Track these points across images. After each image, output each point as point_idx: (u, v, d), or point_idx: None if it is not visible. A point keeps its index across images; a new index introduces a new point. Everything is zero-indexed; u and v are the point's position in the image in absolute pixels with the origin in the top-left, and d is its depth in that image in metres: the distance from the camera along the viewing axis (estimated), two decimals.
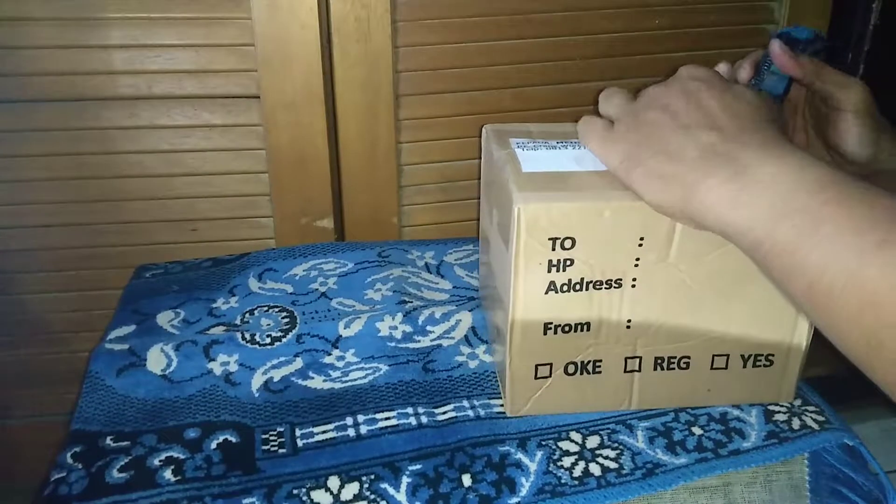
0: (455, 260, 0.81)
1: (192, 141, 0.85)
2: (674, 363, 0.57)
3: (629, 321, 0.55)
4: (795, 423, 0.57)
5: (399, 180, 0.91)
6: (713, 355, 0.57)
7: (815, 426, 0.57)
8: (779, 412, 0.58)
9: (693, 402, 0.59)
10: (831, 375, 1.13)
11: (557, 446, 0.55)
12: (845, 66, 1.00)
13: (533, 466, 0.53)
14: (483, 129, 0.65)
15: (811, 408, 0.59)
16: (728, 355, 0.57)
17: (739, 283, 0.54)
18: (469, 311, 0.71)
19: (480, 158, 0.67)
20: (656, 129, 0.49)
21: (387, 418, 0.58)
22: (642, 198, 0.49)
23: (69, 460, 0.54)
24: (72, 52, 0.80)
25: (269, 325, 0.69)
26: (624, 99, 0.54)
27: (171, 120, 0.84)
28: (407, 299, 0.72)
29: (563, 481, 0.52)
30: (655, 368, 0.57)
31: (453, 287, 0.76)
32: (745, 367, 0.57)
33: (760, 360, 0.57)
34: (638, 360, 0.56)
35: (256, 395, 0.61)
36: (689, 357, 0.56)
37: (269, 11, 0.80)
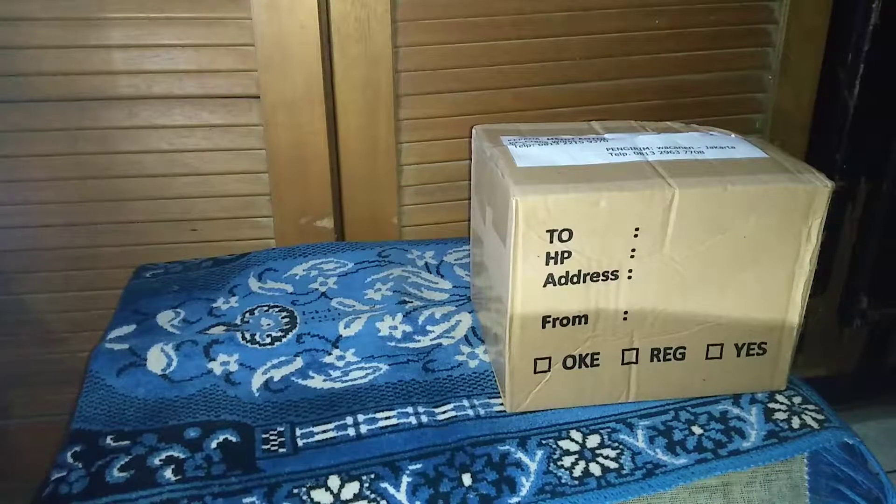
0: (455, 260, 0.81)
1: (192, 141, 0.85)
2: (670, 354, 0.57)
3: (626, 313, 0.55)
4: (795, 422, 0.57)
5: (399, 180, 0.91)
6: (708, 345, 0.57)
7: (815, 425, 0.57)
8: (779, 410, 0.58)
9: (689, 392, 0.59)
10: (831, 375, 1.14)
11: (558, 445, 0.55)
12: (845, 66, 1.00)
13: (533, 466, 0.53)
14: (472, 130, 0.66)
15: (811, 407, 0.59)
16: (722, 344, 0.57)
17: (732, 271, 0.54)
18: (469, 311, 0.71)
19: (471, 159, 0.67)
20: None
21: (387, 418, 0.58)
22: None
23: (69, 460, 0.54)
24: (72, 52, 0.80)
25: (269, 324, 0.69)
26: None
27: (170, 120, 0.84)
28: (407, 299, 0.72)
29: (563, 481, 0.52)
30: (652, 360, 0.57)
31: (453, 287, 0.76)
32: (738, 355, 0.58)
33: (753, 349, 0.58)
34: (635, 352, 0.57)
35: (256, 394, 0.61)
36: (684, 347, 0.57)
37: (269, 11, 0.80)
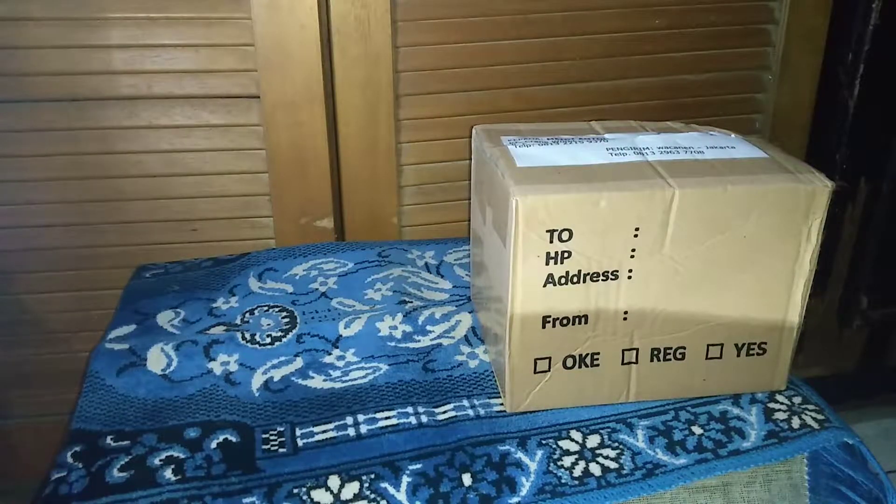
0: (455, 260, 0.81)
1: (192, 141, 0.85)
2: (670, 354, 0.57)
3: (626, 312, 0.55)
4: (795, 422, 0.57)
5: (399, 180, 0.91)
6: (708, 345, 0.57)
7: (815, 425, 0.57)
8: (779, 410, 0.58)
9: (689, 392, 0.59)
10: (831, 375, 1.14)
11: (558, 445, 0.55)
12: (845, 66, 1.00)
13: (533, 466, 0.53)
14: (473, 130, 0.66)
15: (811, 407, 0.59)
16: (722, 344, 0.57)
17: (732, 271, 0.54)
18: (469, 311, 0.71)
19: (470, 159, 0.68)
20: None
21: (387, 418, 0.58)
22: None
23: (69, 460, 0.54)
24: (72, 52, 0.80)
25: (269, 324, 0.69)
26: None
27: (170, 120, 0.84)
28: (407, 299, 0.72)
29: (563, 481, 0.52)
30: (652, 360, 0.57)
31: (453, 287, 0.76)
32: (738, 355, 0.58)
33: (753, 349, 0.58)
34: (635, 351, 0.57)
35: (256, 394, 0.61)
36: (684, 347, 0.57)
37: (269, 11, 0.80)
